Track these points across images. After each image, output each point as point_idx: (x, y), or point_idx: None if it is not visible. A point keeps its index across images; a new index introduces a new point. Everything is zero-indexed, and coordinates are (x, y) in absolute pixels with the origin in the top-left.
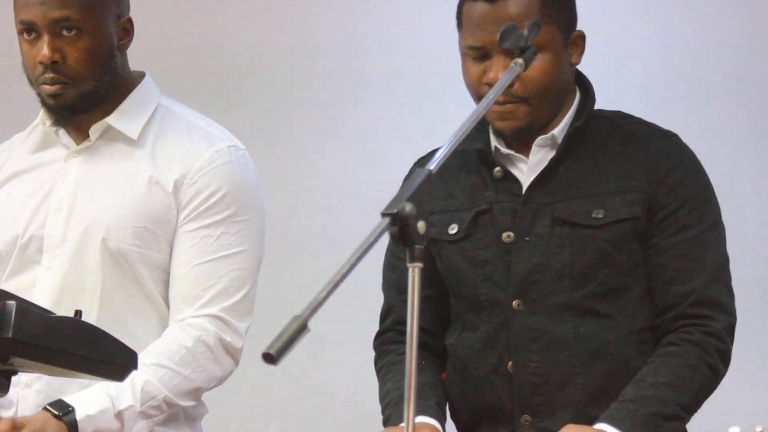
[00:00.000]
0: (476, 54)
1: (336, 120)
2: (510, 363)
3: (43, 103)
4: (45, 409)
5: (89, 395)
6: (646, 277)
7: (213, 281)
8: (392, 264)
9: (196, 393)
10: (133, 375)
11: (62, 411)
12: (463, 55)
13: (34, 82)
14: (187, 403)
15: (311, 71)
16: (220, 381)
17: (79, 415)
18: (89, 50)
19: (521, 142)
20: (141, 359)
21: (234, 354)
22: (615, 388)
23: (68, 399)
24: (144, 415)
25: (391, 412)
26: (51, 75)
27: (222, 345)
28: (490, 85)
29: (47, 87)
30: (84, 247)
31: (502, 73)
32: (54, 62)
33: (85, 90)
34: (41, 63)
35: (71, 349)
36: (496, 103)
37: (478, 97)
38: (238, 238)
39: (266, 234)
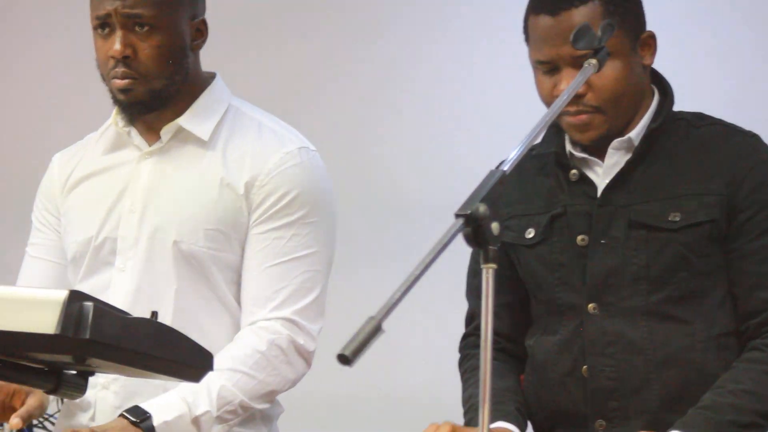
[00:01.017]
0: (545, 68)
1: (406, 120)
2: (585, 367)
3: (114, 99)
4: (122, 416)
5: (166, 401)
6: (729, 281)
7: (284, 283)
8: (474, 270)
9: (270, 396)
10: (209, 380)
11: (139, 418)
12: (534, 68)
13: (105, 77)
14: (262, 405)
15: (384, 74)
16: (294, 383)
17: (156, 422)
18: (160, 47)
19: (597, 146)
20: (216, 364)
21: (306, 356)
22: (691, 394)
23: (145, 405)
24: (220, 419)
25: (472, 416)
26: (122, 69)
27: (295, 348)
28: None
29: (118, 81)
30: (157, 249)
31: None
32: (125, 57)
33: (156, 87)
34: (113, 57)
35: (148, 350)
36: (569, 114)
37: None
38: (309, 239)
39: (338, 235)
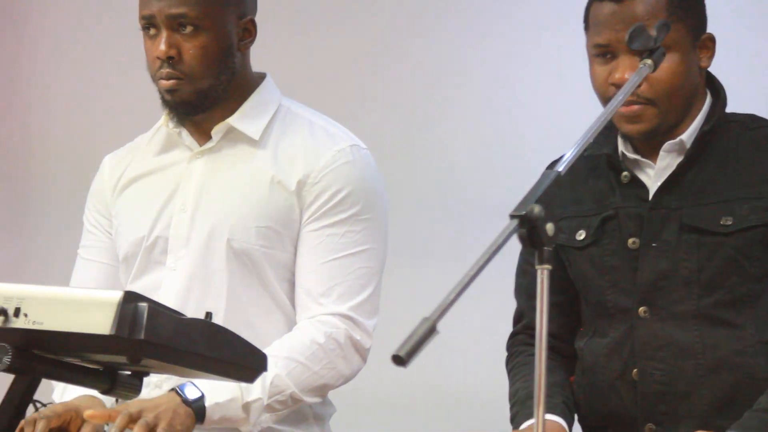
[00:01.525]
0: (601, 52)
1: (461, 117)
2: (635, 370)
3: (163, 100)
4: (175, 392)
5: (219, 382)
6: None
7: (339, 279)
8: (523, 269)
9: (322, 390)
10: None
11: (192, 396)
12: (590, 56)
13: (153, 78)
14: (313, 399)
15: (439, 67)
16: (347, 379)
17: (208, 402)
18: (205, 47)
19: (649, 147)
20: (272, 352)
21: (362, 353)
22: (741, 399)
23: (198, 383)
24: (269, 408)
25: (518, 409)
26: (167, 70)
27: (351, 343)
28: (617, 86)
29: (164, 82)
30: (209, 248)
31: (629, 73)
32: (170, 58)
33: (202, 87)
34: (159, 58)
35: (202, 350)
36: (622, 104)
37: (605, 100)
38: (362, 236)
39: (393, 235)
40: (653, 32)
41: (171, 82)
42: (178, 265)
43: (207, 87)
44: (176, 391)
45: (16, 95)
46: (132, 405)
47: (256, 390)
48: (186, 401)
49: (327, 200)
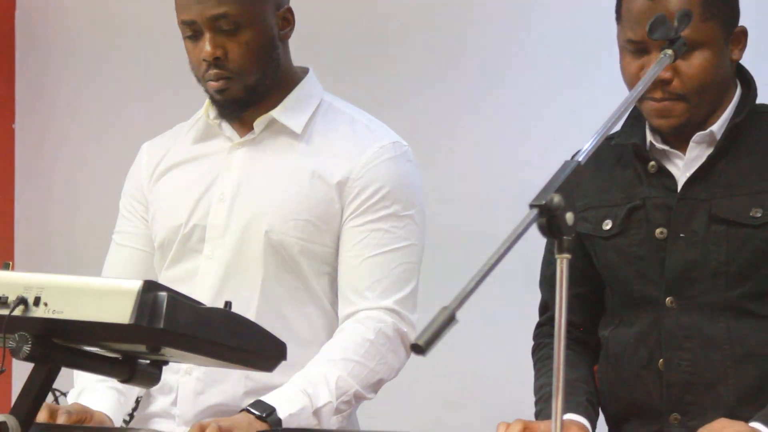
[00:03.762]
0: (634, 48)
1: (483, 106)
2: (661, 360)
3: (212, 100)
4: (247, 411)
5: (286, 394)
6: None
7: (384, 274)
8: (548, 260)
9: (378, 385)
10: (326, 371)
11: (265, 412)
12: (622, 49)
13: (200, 80)
14: (371, 395)
15: (457, 51)
16: (397, 373)
17: (282, 414)
18: (250, 43)
19: (678, 138)
20: (327, 355)
21: (408, 346)
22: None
23: (267, 399)
24: (336, 410)
25: (542, 407)
26: (215, 71)
27: (399, 335)
28: None
29: (213, 84)
30: (246, 238)
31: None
32: (217, 58)
33: (250, 83)
34: (205, 60)
35: (221, 339)
36: (654, 99)
37: None
38: (405, 232)
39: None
40: (675, 23)
41: (220, 82)
42: (214, 254)
43: (255, 82)
44: (248, 410)
45: None
46: (211, 421)
47: (323, 394)
48: (260, 417)
49: (370, 196)
